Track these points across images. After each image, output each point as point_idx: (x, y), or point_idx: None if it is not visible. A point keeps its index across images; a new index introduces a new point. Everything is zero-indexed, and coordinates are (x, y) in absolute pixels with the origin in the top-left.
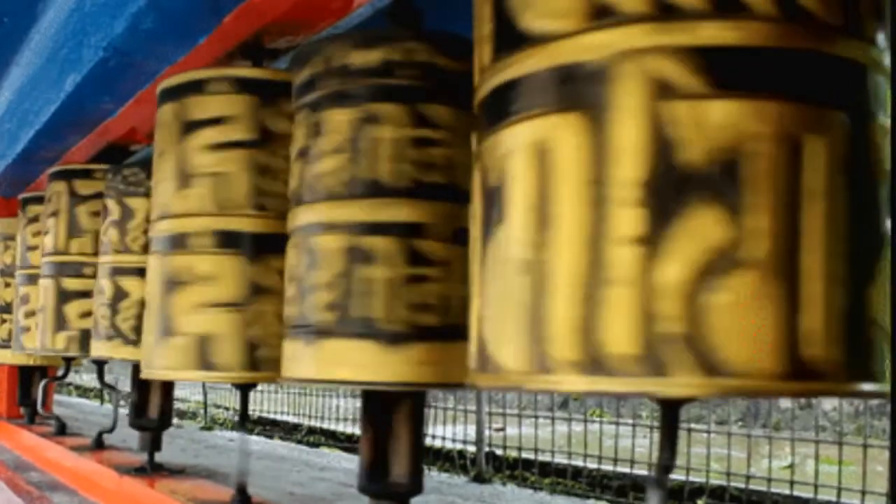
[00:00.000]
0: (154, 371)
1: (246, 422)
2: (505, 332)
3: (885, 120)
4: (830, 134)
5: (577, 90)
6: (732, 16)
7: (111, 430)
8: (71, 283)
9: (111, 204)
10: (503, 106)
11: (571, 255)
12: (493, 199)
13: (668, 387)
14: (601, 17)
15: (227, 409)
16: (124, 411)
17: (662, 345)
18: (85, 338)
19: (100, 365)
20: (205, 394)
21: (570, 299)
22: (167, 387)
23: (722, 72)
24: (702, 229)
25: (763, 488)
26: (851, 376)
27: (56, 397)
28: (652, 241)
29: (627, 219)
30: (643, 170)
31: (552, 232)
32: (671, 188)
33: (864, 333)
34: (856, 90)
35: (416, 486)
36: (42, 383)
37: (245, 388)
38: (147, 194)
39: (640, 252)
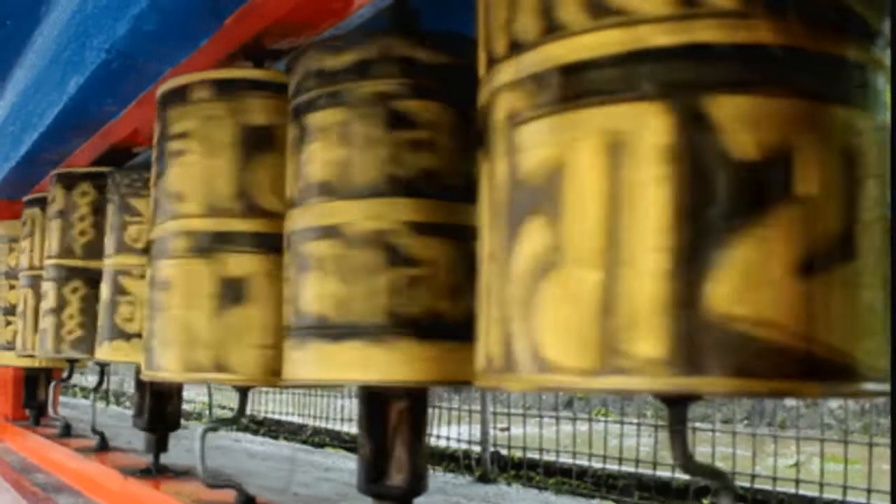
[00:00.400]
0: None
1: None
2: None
3: (884, 119)
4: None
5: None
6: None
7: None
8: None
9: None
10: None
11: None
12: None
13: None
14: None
15: (232, 409)
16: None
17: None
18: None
19: (102, 367)
20: (210, 395)
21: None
22: (175, 388)
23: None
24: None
25: (768, 487)
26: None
27: (61, 399)
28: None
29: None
30: None
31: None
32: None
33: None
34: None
35: (419, 487)
36: (51, 385)
37: (244, 390)
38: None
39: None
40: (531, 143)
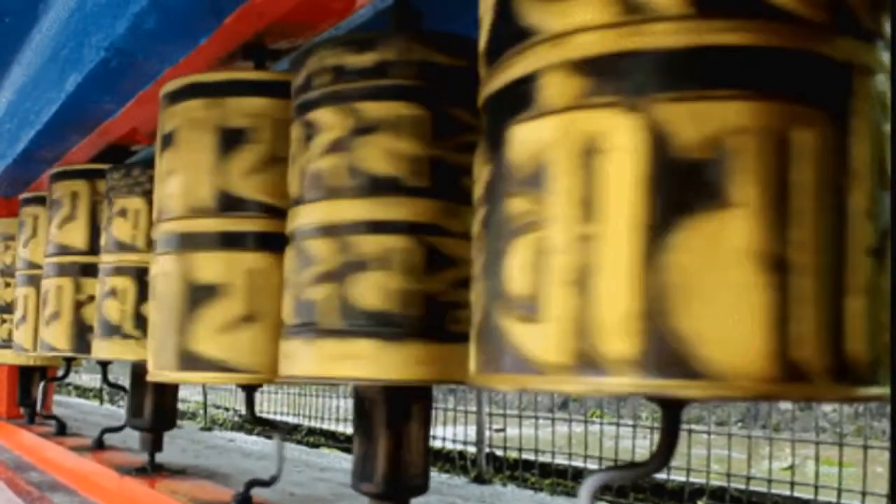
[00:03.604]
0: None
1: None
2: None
3: (884, 119)
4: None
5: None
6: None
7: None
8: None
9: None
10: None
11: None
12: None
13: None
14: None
15: (226, 409)
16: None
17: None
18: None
19: (104, 365)
20: (205, 394)
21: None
22: (169, 387)
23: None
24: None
25: (763, 489)
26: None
27: (56, 397)
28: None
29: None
30: None
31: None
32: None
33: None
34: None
35: (423, 485)
36: (42, 384)
37: (250, 389)
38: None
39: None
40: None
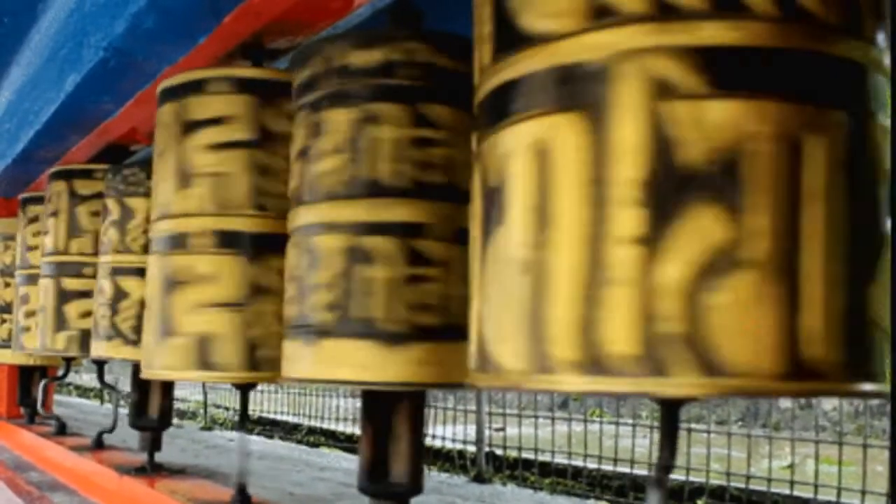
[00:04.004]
0: (154, 371)
1: (246, 421)
2: (505, 332)
3: (885, 120)
4: (830, 134)
5: (578, 90)
6: (731, 15)
7: (111, 430)
8: (71, 284)
9: (111, 204)
10: (503, 106)
11: (571, 255)
12: (493, 199)
13: (667, 387)
14: (601, 16)
15: (227, 409)
16: (124, 411)
17: (662, 345)
18: (85, 338)
19: (100, 365)
20: (205, 394)
21: (569, 299)
22: (167, 387)
23: (721, 71)
24: (701, 229)
25: (763, 488)
26: (852, 376)
27: (56, 397)
28: (652, 241)
29: (627, 219)
30: (643, 169)
31: (552, 232)
32: (671, 188)
33: (864, 333)
34: (856, 90)
35: (417, 487)
36: (42, 383)
37: (245, 388)
38: (147, 194)
39: (640, 252)
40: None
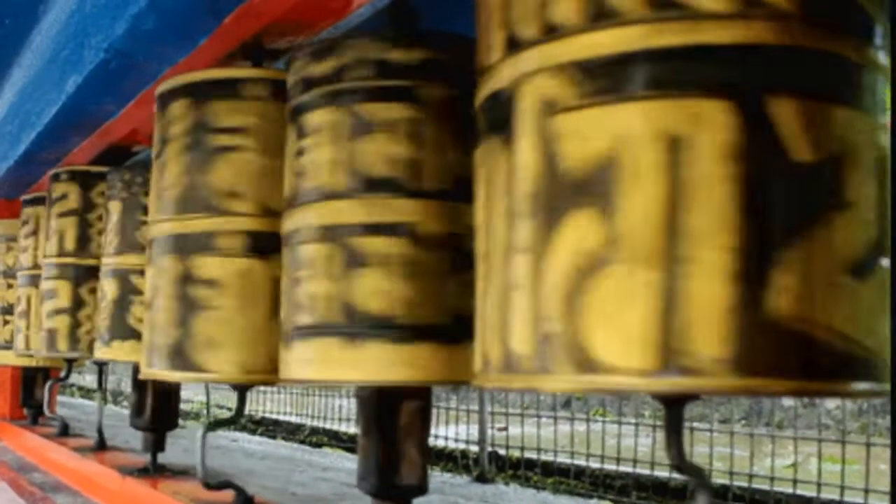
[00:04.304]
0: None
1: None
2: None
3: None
4: (709, 127)
5: (497, 116)
6: (603, 25)
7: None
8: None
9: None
10: (481, 122)
11: (497, 262)
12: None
13: (549, 383)
14: (511, 47)
15: (230, 409)
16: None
17: (547, 344)
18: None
19: (100, 366)
20: (207, 394)
21: (496, 304)
22: (171, 387)
23: (590, 81)
24: (577, 234)
25: (766, 487)
26: (734, 373)
27: (59, 398)
28: (539, 248)
29: (522, 229)
30: (533, 183)
31: (491, 242)
32: (554, 198)
33: (749, 329)
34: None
35: (421, 487)
36: (48, 384)
37: (243, 389)
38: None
39: (531, 259)
40: (577, 134)
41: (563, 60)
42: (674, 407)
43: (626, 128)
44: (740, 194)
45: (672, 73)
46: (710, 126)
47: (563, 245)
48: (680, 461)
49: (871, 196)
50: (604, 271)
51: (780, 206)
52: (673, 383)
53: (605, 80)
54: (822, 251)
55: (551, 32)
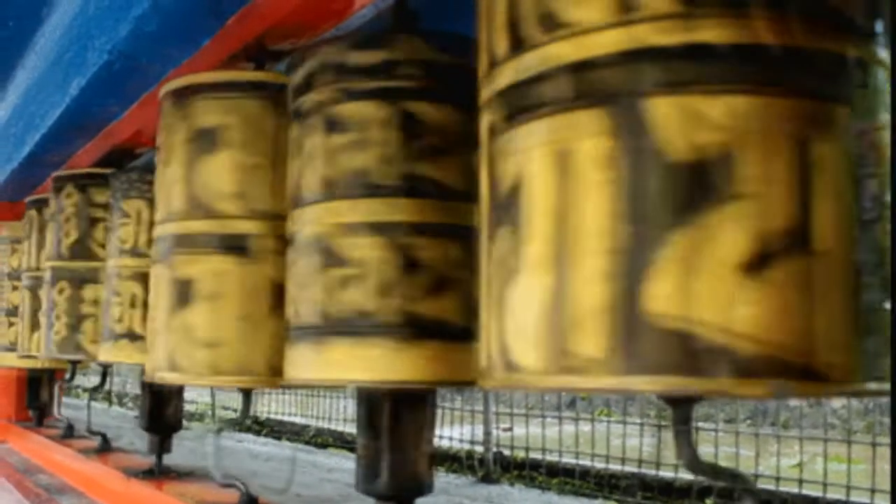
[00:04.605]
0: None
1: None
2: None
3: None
4: (594, 136)
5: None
6: (518, 54)
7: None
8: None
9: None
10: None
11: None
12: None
13: (489, 382)
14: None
15: (234, 410)
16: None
17: (496, 349)
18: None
19: (104, 368)
20: (213, 396)
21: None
22: (177, 390)
23: (509, 104)
24: (501, 248)
25: (772, 487)
26: (625, 371)
27: (64, 399)
28: (492, 261)
29: (485, 240)
30: (486, 204)
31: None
32: (494, 218)
33: (640, 326)
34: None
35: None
36: (56, 386)
37: (248, 391)
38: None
39: (493, 271)
40: (502, 154)
41: (499, 87)
42: (680, 407)
43: (527, 147)
44: (613, 198)
45: (557, 91)
46: (587, 135)
47: (496, 257)
48: (692, 461)
49: (777, 185)
50: (515, 279)
51: (653, 206)
52: (561, 382)
53: (518, 103)
54: (702, 248)
55: (493, 66)
